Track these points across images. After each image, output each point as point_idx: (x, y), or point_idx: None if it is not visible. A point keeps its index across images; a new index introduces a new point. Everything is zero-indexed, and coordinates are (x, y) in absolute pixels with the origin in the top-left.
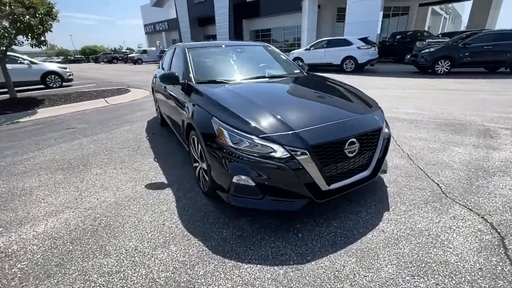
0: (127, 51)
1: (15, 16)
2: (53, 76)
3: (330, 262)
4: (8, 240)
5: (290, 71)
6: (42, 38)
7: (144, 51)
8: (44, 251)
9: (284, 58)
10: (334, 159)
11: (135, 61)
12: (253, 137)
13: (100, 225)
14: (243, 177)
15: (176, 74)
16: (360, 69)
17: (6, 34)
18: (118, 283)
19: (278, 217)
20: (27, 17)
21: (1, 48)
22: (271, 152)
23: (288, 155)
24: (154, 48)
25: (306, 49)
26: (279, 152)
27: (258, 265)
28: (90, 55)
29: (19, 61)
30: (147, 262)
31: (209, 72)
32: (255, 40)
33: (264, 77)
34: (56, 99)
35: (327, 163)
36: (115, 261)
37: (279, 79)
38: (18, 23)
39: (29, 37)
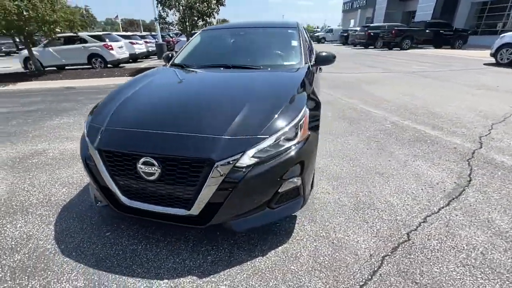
0: (317, 29)
1: (190, 4)
2: None
3: None
4: (43, 146)
5: (280, 62)
6: (209, 20)
7: (330, 30)
8: (31, 164)
9: (294, 45)
10: (125, 173)
11: (319, 40)
12: (88, 119)
13: (64, 161)
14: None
15: (170, 55)
16: None
17: (190, 18)
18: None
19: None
20: (198, 4)
21: (188, 28)
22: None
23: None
24: (340, 27)
25: None
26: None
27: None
28: None
29: None
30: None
31: (189, 56)
32: (477, 16)
33: (228, 66)
34: None
35: (118, 174)
36: (20, 189)
37: (240, 70)
38: (193, 10)
39: (199, 20)
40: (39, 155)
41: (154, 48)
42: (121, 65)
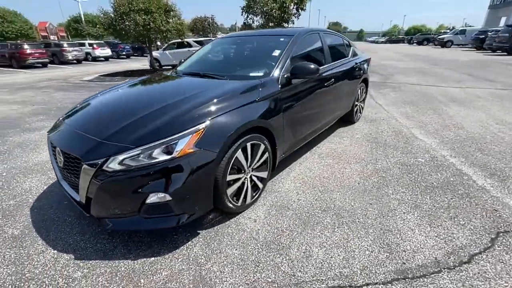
0: (447, 30)
1: (267, 12)
2: None
3: None
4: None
5: (245, 72)
6: (286, 26)
7: (462, 31)
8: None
9: (274, 54)
10: (54, 157)
11: (444, 44)
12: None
13: None
14: None
15: (183, 60)
16: None
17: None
18: None
19: None
20: (274, 10)
21: None
22: None
23: None
24: (479, 27)
25: None
26: None
27: None
28: (414, 34)
29: None
30: None
31: (187, 63)
32: None
33: (200, 75)
34: None
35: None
36: None
37: (204, 79)
38: (270, 17)
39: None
40: None
41: None
42: None
